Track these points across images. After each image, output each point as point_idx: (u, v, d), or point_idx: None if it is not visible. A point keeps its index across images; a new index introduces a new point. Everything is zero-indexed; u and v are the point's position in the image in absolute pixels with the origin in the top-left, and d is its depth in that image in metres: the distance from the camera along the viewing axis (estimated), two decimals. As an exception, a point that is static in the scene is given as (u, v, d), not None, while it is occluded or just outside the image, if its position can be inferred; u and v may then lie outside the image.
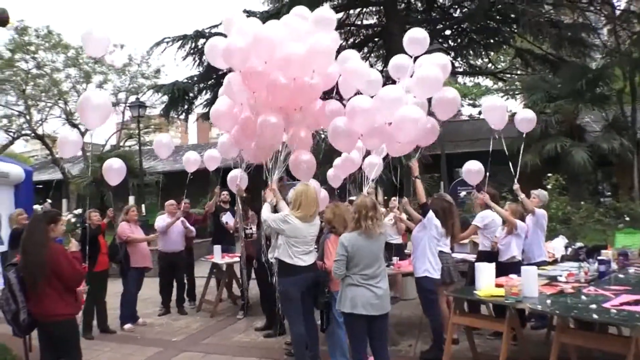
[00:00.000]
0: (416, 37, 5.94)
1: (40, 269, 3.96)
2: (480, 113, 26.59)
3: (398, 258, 7.01)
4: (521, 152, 6.48)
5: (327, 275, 4.85)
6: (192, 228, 8.49)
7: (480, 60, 20.81)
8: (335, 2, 17.02)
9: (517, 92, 24.67)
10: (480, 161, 6.73)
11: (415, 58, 5.79)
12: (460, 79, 24.41)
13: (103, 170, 6.42)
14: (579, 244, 7.40)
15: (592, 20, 18.21)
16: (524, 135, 6.55)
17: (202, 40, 16.14)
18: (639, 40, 16.29)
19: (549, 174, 12.66)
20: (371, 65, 16.00)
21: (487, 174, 6.47)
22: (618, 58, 16.53)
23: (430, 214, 5.39)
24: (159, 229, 8.08)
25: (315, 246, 5.21)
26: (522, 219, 6.04)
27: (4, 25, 6.66)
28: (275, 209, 5.23)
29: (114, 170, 6.37)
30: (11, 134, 26.21)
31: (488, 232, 6.24)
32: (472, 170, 6.71)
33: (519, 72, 21.48)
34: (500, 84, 25.49)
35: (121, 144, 27.84)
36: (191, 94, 17.60)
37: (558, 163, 13.96)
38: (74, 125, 24.63)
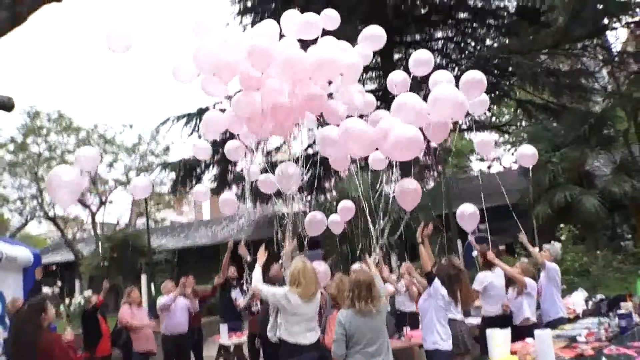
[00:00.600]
0: (421, 58, 6.08)
1: None
2: (489, 167, 26.50)
3: (409, 328, 6.66)
4: (530, 196, 6.29)
5: (329, 352, 4.60)
6: (196, 305, 8.21)
7: (483, 115, 20.92)
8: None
9: (523, 144, 24.64)
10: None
11: (422, 78, 5.84)
12: (466, 135, 24.52)
13: (131, 189, 7.11)
14: (599, 296, 7.12)
15: (589, 65, 18.34)
16: (529, 169, 6.58)
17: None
18: (638, 79, 16.24)
19: (562, 225, 12.30)
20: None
21: (487, 226, 6.08)
22: (619, 99, 16.47)
23: (436, 282, 5.01)
24: (160, 307, 7.76)
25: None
26: (534, 279, 5.78)
27: (9, 111, 7.04)
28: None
29: (139, 188, 6.88)
30: (25, 216, 26.43)
31: (488, 296, 5.94)
32: (466, 213, 6.24)
33: (523, 123, 21.53)
34: (506, 136, 25.49)
35: (132, 222, 27.97)
36: (198, 170, 17.85)
37: (570, 212, 13.58)
38: (86, 206, 24.91)
